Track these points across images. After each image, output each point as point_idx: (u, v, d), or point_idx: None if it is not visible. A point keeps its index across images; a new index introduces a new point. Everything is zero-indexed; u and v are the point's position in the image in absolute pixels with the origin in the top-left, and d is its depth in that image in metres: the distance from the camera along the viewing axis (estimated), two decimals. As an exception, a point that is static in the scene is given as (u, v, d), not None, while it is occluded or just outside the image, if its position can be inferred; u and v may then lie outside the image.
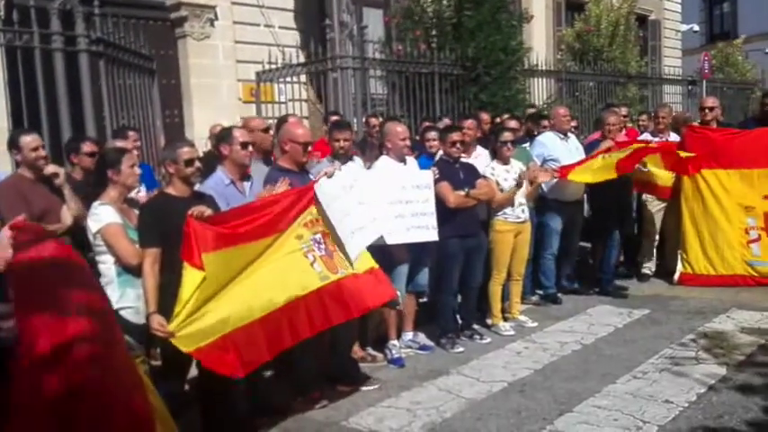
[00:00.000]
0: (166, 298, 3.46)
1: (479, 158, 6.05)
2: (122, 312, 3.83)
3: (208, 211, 3.53)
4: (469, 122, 6.47)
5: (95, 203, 3.91)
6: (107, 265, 3.92)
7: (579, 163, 6.57)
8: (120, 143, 4.63)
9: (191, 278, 3.42)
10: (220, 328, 3.52)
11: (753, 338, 5.28)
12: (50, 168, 4.48)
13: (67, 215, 4.22)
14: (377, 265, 4.49)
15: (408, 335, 5.54)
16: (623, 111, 7.75)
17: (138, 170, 4.14)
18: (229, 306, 3.58)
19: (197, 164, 3.81)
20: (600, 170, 6.45)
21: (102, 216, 3.88)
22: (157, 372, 3.38)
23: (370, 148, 6.42)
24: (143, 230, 3.65)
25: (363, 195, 4.56)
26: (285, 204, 4.02)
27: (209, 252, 3.48)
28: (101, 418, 1.46)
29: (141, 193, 4.67)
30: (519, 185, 5.72)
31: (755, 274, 6.95)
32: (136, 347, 3.24)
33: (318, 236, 4.19)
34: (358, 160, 5.35)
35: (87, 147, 4.79)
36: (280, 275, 3.87)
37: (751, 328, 5.57)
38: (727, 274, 7.02)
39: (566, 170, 6.46)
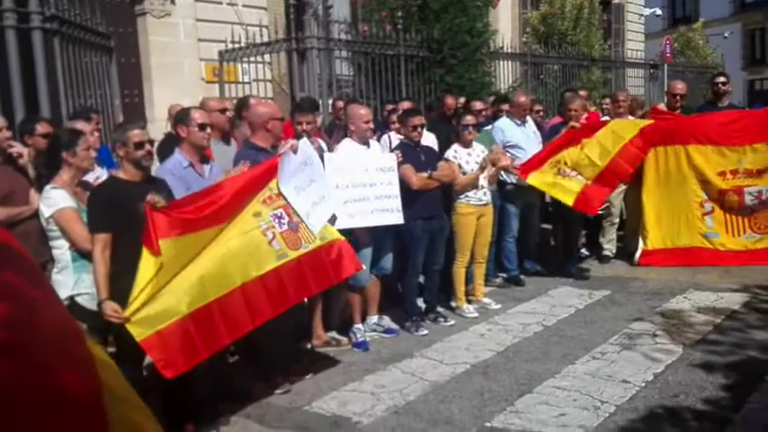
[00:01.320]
0: (117, 284, 3.38)
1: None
2: (78, 299, 3.77)
3: (161, 203, 3.45)
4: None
5: (47, 187, 3.82)
6: (61, 250, 3.84)
7: (540, 156, 6.55)
8: (82, 125, 4.49)
9: (148, 264, 3.35)
10: (176, 311, 3.45)
11: (708, 318, 5.41)
12: (16, 148, 4.35)
13: (35, 197, 4.07)
14: (342, 237, 4.46)
15: (373, 318, 5.54)
16: (583, 94, 7.79)
17: (93, 153, 4.05)
18: (185, 289, 3.51)
19: (148, 147, 3.67)
20: (560, 189, 6.50)
21: (55, 200, 3.78)
22: (114, 358, 3.30)
23: (338, 130, 6.36)
24: (92, 216, 3.55)
25: (315, 174, 4.52)
26: (244, 184, 3.94)
27: (167, 238, 3.41)
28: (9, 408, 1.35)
29: (102, 178, 4.55)
30: (482, 168, 5.75)
31: (710, 246, 7.17)
32: (90, 335, 3.16)
33: (280, 210, 4.10)
34: (321, 143, 5.30)
35: (42, 128, 4.65)
36: (236, 256, 3.79)
37: (707, 308, 5.70)
38: (684, 247, 7.21)
39: (526, 169, 6.46)
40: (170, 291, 3.45)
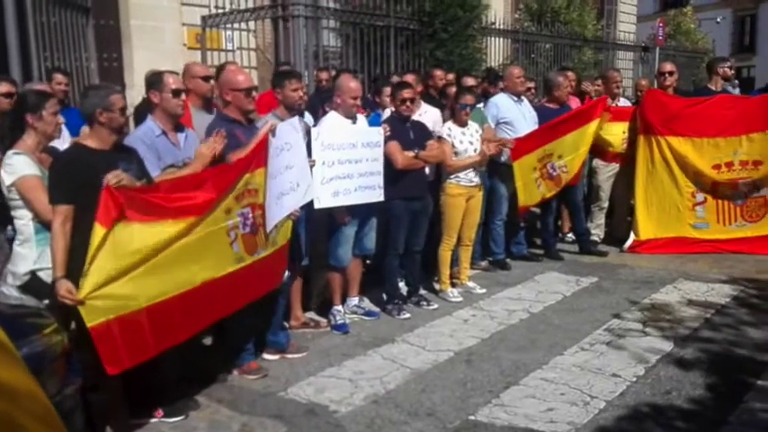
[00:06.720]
0: (78, 261, 3.13)
1: (425, 116, 5.78)
2: (40, 273, 3.53)
3: (124, 180, 3.19)
4: (410, 77, 6.19)
5: (9, 152, 3.54)
6: (24, 221, 3.59)
7: (535, 137, 6.45)
8: (41, 86, 4.19)
9: (97, 241, 3.09)
10: (134, 302, 3.23)
11: (698, 312, 5.26)
12: None
13: None
14: (288, 238, 4.28)
15: (353, 300, 5.34)
16: (570, 75, 7.58)
17: (61, 119, 3.77)
18: (148, 280, 3.28)
19: (127, 113, 3.46)
20: (525, 189, 6.48)
21: (18, 167, 3.52)
22: (73, 340, 3.08)
23: (323, 105, 6.09)
24: (53, 186, 3.29)
25: (294, 159, 4.25)
26: (229, 175, 3.72)
27: (129, 221, 3.17)
28: None
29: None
30: (480, 155, 5.56)
31: (699, 237, 7.06)
32: (47, 315, 2.93)
33: (247, 210, 3.88)
34: (307, 119, 5.03)
35: (3, 87, 4.33)
36: (200, 253, 3.56)
37: (697, 300, 5.56)
38: (673, 236, 7.09)
39: (517, 151, 6.30)
40: (132, 279, 3.21)
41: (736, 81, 21.58)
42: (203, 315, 3.67)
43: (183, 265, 3.46)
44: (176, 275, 3.43)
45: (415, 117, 5.49)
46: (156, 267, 3.31)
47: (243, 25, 8.85)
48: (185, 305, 3.48)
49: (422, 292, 5.69)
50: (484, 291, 5.89)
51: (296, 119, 4.37)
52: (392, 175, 5.05)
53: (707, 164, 6.99)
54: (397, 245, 5.36)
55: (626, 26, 18.53)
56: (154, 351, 3.35)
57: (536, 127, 6.54)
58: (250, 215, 3.89)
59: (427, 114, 5.82)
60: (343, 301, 5.25)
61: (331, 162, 4.66)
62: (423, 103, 5.94)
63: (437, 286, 5.87)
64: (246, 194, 3.87)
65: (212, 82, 4.64)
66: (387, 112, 5.80)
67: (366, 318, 5.26)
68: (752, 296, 5.68)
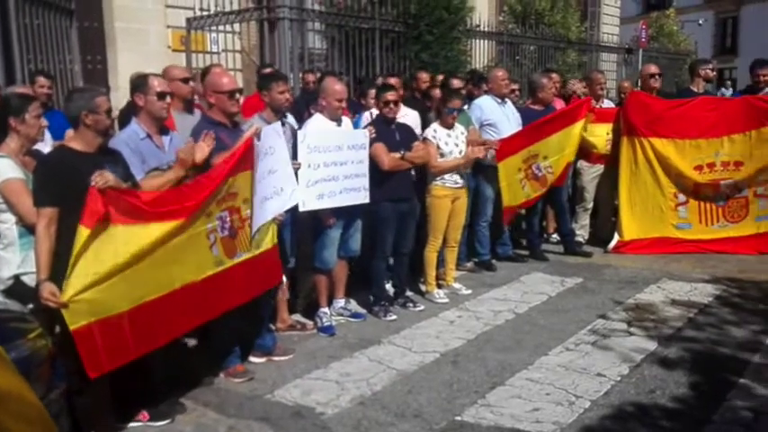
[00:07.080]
0: (62, 265, 3.11)
1: (405, 119, 5.78)
2: (24, 278, 3.52)
3: (111, 181, 3.18)
4: (394, 80, 6.21)
5: (-8, 156, 3.52)
6: (7, 225, 3.58)
7: (520, 137, 6.49)
8: (23, 89, 4.16)
9: (80, 238, 3.08)
10: (117, 305, 3.23)
11: (681, 312, 5.31)
12: None
13: None
14: (275, 242, 4.29)
15: (340, 302, 5.34)
16: (555, 77, 7.63)
17: (44, 122, 3.75)
18: (130, 284, 3.27)
19: (112, 114, 3.46)
20: (509, 190, 6.49)
21: (1, 170, 3.51)
22: (58, 344, 3.06)
23: (312, 107, 6.09)
24: (39, 188, 3.27)
25: (277, 164, 4.25)
26: (213, 179, 3.72)
27: (115, 223, 3.17)
28: None
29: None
30: (465, 158, 5.58)
31: (682, 237, 7.13)
32: (31, 319, 2.91)
33: (225, 213, 3.87)
34: (292, 122, 5.04)
35: None
36: (179, 256, 3.56)
37: (680, 300, 5.61)
38: (656, 237, 7.15)
39: (502, 152, 6.32)
40: (115, 282, 3.20)
41: (728, 82, 21.85)
42: (185, 318, 3.66)
43: (164, 268, 3.46)
44: (158, 279, 3.42)
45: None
46: (140, 270, 3.31)
47: (228, 27, 8.83)
48: (166, 308, 3.47)
49: (408, 293, 5.71)
50: (470, 292, 5.91)
51: (278, 123, 4.38)
52: (378, 177, 5.07)
53: (689, 165, 7.06)
54: (385, 247, 5.38)
55: (609, 28, 18.69)
56: (134, 354, 3.34)
57: (520, 129, 6.57)
58: (228, 218, 3.89)
59: (407, 117, 5.83)
60: (330, 303, 5.26)
61: (316, 165, 4.66)
62: (402, 106, 5.95)
63: (423, 288, 5.88)
64: (227, 198, 3.87)
65: (192, 84, 4.64)
66: (366, 115, 5.81)
67: (352, 319, 5.27)
68: (734, 295, 5.75)
